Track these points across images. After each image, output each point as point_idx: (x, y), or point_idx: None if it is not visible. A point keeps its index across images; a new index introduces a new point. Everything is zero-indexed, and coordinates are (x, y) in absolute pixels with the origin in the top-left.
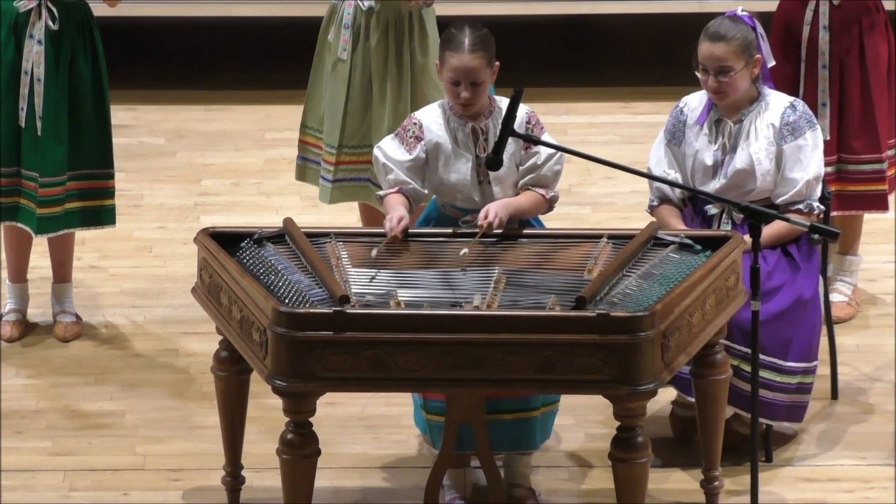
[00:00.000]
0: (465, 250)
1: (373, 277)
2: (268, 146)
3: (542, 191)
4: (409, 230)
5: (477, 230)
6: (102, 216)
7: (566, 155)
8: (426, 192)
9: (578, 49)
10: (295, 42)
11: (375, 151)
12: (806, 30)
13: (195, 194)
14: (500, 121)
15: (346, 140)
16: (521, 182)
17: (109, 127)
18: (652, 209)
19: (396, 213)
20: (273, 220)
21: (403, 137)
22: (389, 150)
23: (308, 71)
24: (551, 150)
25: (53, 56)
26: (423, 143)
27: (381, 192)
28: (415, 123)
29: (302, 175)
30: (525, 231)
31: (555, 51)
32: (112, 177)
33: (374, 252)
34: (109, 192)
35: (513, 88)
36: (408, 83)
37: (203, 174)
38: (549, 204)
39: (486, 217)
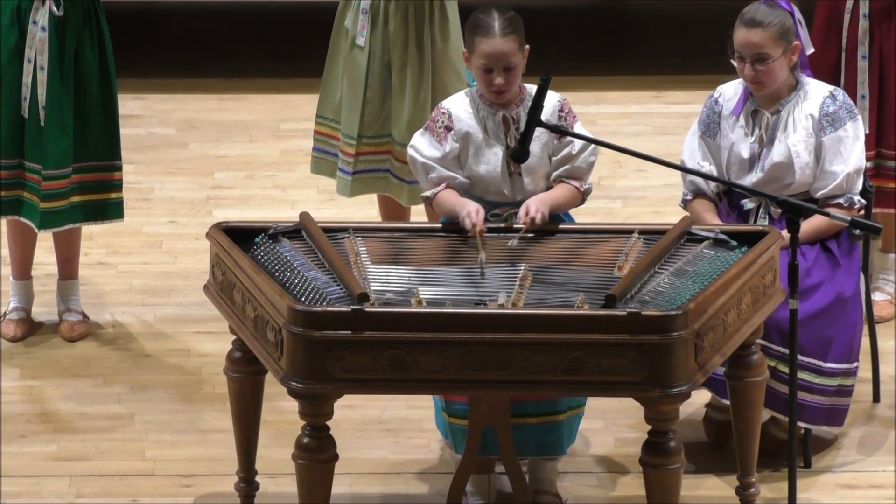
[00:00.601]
0: (513, 241)
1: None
2: (284, 137)
3: (576, 183)
4: (430, 224)
5: (511, 226)
6: (109, 210)
7: (596, 148)
8: (467, 181)
9: (609, 36)
10: (313, 28)
11: (410, 152)
12: (847, 18)
13: (208, 187)
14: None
15: (364, 130)
16: (555, 174)
17: (116, 117)
18: (685, 203)
19: (468, 206)
20: (289, 215)
21: (433, 130)
22: (423, 147)
23: (325, 58)
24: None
25: (58, 43)
26: (452, 133)
27: (427, 193)
28: (444, 113)
29: (319, 168)
30: (552, 226)
31: (584, 38)
32: (119, 169)
33: (482, 256)
34: (116, 185)
35: (540, 76)
36: (429, 70)
37: (216, 166)
38: (583, 197)
39: (527, 213)
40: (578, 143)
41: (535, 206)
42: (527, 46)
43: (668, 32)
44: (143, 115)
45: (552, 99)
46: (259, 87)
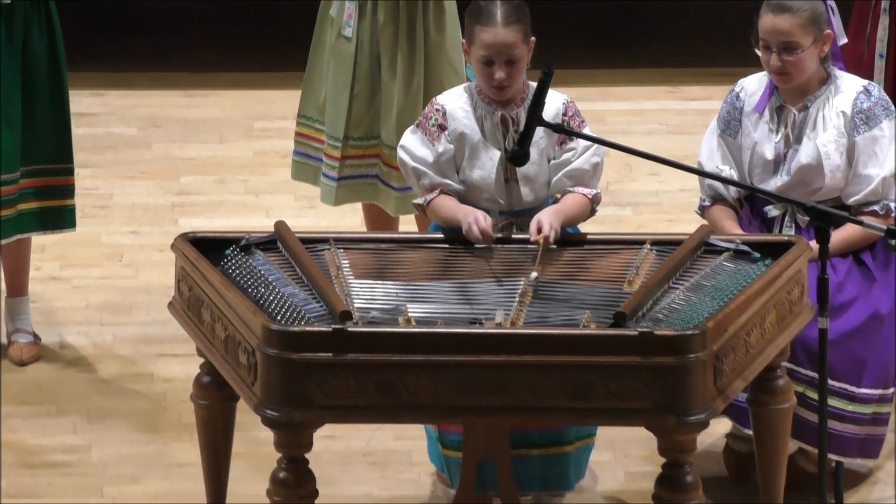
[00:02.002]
0: (535, 274)
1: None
2: (258, 137)
3: (583, 190)
4: (419, 234)
5: (507, 237)
6: (62, 218)
7: (604, 148)
8: (462, 188)
9: (617, 24)
10: (294, 16)
11: (400, 153)
12: (884, 4)
13: (173, 193)
14: None
15: (351, 130)
16: (555, 180)
17: (68, 114)
18: (703, 210)
19: (473, 211)
20: (263, 224)
21: (426, 127)
22: (414, 148)
23: (306, 50)
24: (589, 143)
25: (5, 30)
26: (447, 132)
27: (419, 200)
28: (437, 110)
29: (300, 173)
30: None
31: (590, 26)
32: (71, 172)
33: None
34: (69, 191)
35: (542, 70)
36: (421, 64)
37: (182, 170)
38: (593, 205)
39: (539, 230)
40: (581, 145)
41: (549, 222)
42: (532, 38)
43: (684, 19)
44: (101, 113)
45: (556, 100)
46: (231, 81)
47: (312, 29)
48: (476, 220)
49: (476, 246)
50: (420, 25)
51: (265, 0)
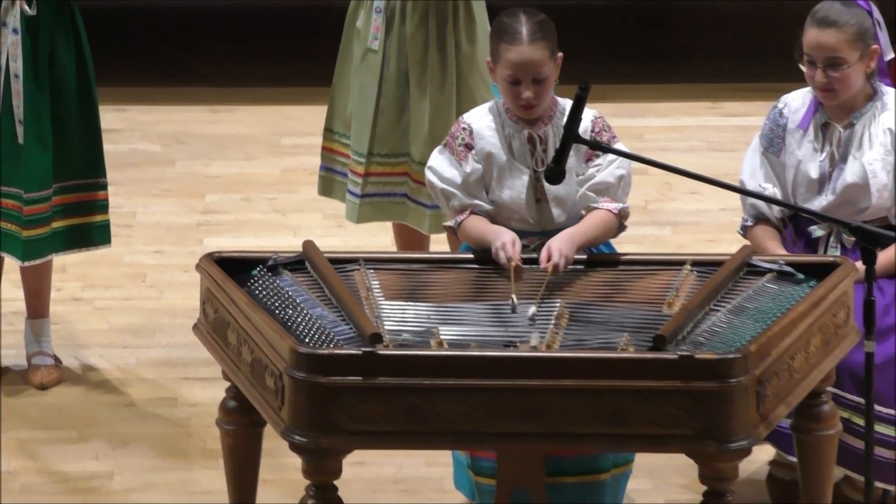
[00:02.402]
0: (533, 310)
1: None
2: (285, 154)
3: (609, 205)
4: (451, 254)
5: (537, 257)
6: (94, 235)
7: (642, 167)
8: (491, 207)
9: (656, 38)
10: (320, 30)
11: (428, 174)
12: None
13: (198, 212)
14: (561, 126)
15: (377, 147)
16: (580, 194)
17: (99, 127)
18: (745, 230)
19: (502, 235)
20: (291, 243)
21: (453, 147)
22: (442, 169)
23: (333, 64)
24: (613, 155)
25: (31, 46)
26: (473, 152)
27: (449, 222)
28: (464, 129)
29: (327, 189)
30: (591, 257)
31: (627, 40)
32: (104, 187)
33: (513, 298)
34: (101, 206)
35: (578, 85)
36: (452, 77)
37: (207, 187)
38: (620, 220)
39: (548, 258)
40: (606, 159)
41: (558, 250)
42: (559, 54)
43: (725, 33)
44: (124, 129)
45: (585, 116)
46: (257, 96)
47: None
48: (504, 245)
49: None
50: (451, 37)
51: (292, 13)
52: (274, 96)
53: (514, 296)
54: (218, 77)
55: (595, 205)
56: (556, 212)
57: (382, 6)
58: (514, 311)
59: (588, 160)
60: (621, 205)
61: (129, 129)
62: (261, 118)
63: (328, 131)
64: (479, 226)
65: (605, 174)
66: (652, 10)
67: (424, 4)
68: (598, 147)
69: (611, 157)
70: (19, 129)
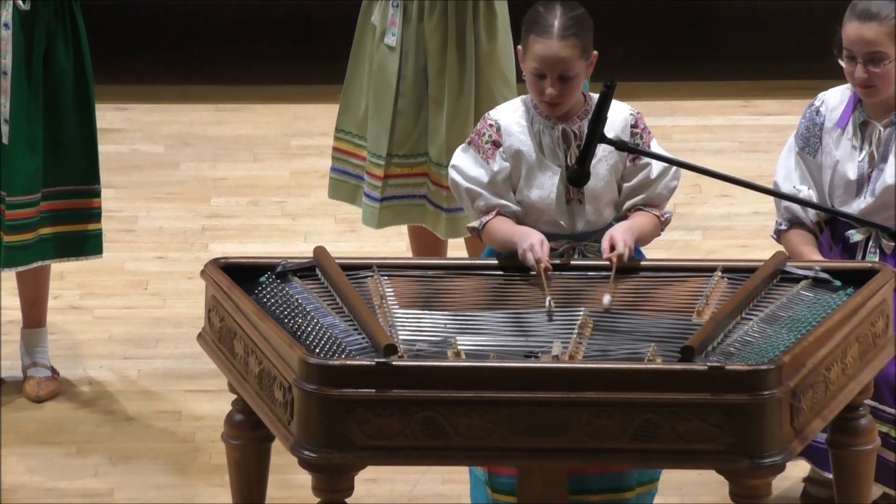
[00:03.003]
0: (608, 297)
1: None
2: (295, 156)
3: (656, 211)
4: (470, 260)
5: (568, 263)
6: (86, 244)
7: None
8: (519, 209)
9: (685, 34)
10: (333, 25)
11: (452, 174)
12: None
13: (203, 216)
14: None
15: (396, 148)
16: (629, 203)
17: (95, 131)
18: (779, 235)
19: (529, 236)
20: (301, 249)
21: (478, 145)
22: (467, 167)
23: (346, 61)
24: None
25: (24, 43)
26: (501, 150)
27: (474, 223)
28: (491, 125)
29: (338, 192)
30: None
31: (656, 35)
32: (98, 195)
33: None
34: (95, 215)
35: (603, 83)
36: (471, 75)
37: (213, 191)
38: (663, 227)
39: (612, 248)
40: (657, 165)
41: (622, 239)
42: (594, 53)
43: (758, 28)
44: (126, 129)
45: (622, 111)
46: (265, 95)
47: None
48: (532, 246)
49: (531, 273)
50: (470, 32)
51: (302, 7)
52: (283, 95)
53: (549, 298)
54: (224, 75)
55: (644, 209)
56: (588, 210)
57: (399, 0)
58: (550, 316)
59: (635, 158)
60: (668, 213)
61: (131, 130)
62: (269, 118)
63: (340, 131)
64: (504, 227)
65: (661, 187)
66: (681, 4)
67: None
68: (625, 147)
69: (663, 164)
70: (4, 129)
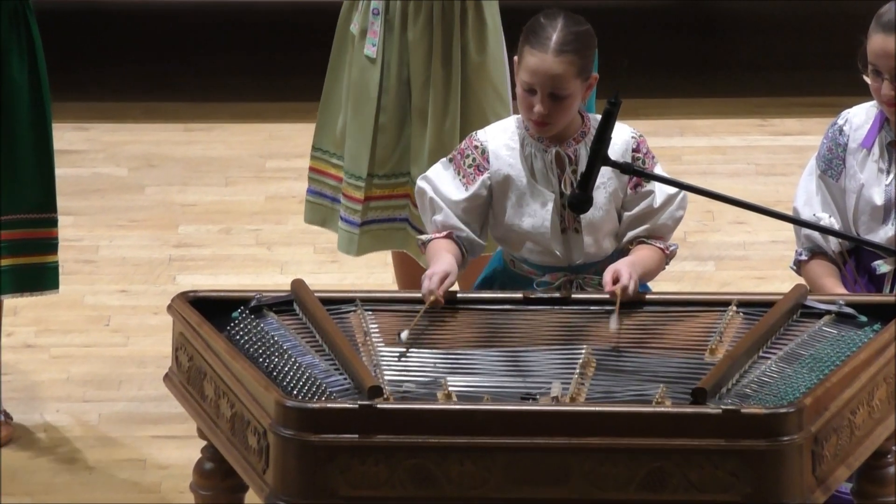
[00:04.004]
0: (615, 325)
1: (402, 355)
2: (271, 179)
3: (660, 243)
4: (461, 293)
5: (567, 297)
6: (43, 278)
7: (688, 195)
8: (484, 242)
9: (697, 44)
10: (309, 34)
11: (421, 183)
12: None
13: (170, 245)
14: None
15: (376, 168)
16: (631, 234)
17: (52, 154)
18: (799, 265)
19: (440, 266)
20: (277, 282)
21: (460, 165)
22: (440, 181)
23: (325, 74)
24: (671, 190)
25: None
26: (486, 174)
27: (423, 237)
28: (476, 147)
29: (314, 216)
30: (623, 296)
31: (664, 47)
32: (55, 223)
33: (403, 334)
34: (52, 246)
35: (607, 99)
36: (457, 90)
37: (181, 217)
38: (668, 260)
39: (614, 281)
40: (661, 192)
41: (628, 272)
42: (594, 75)
43: (776, 39)
44: (86, 151)
45: (623, 133)
46: (238, 112)
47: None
48: (431, 276)
49: (531, 307)
50: (457, 43)
51: (277, 17)
52: (258, 112)
53: (405, 332)
54: (194, 90)
55: (648, 241)
56: (587, 241)
57: (381, 7)
58: (400, 342)
59: (636, 186)
60: (673, 246)
61: (91, 151)
62: (243, 137)
63: (317, 150)
64: (436, 251)
65: (666, 217)
66: (691, 12)
67: (429, 5)
68: (632, 172)
69: (666, 189)
70: None
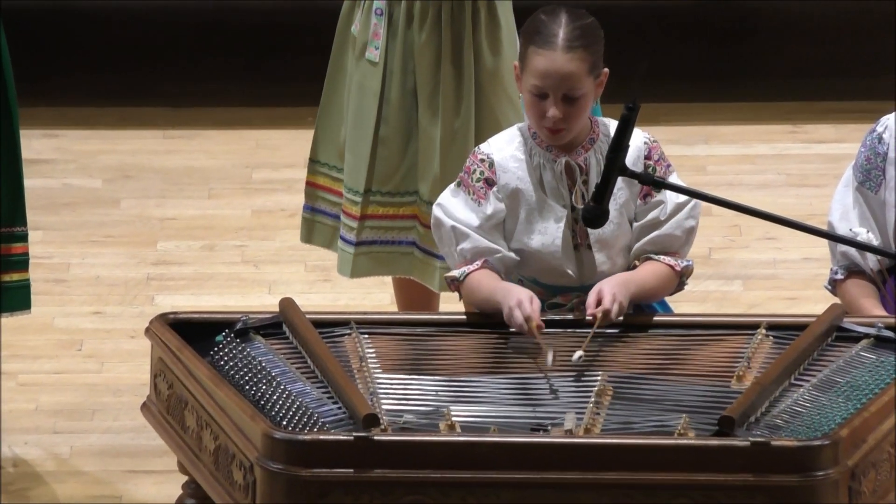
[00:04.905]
0: (580, 353)
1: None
2: (258, 191)
3: (669, 259)
4: (465, 315)
5: (581, 320)
6: (13, 298)
7: (705, 207)
8: (515, 256)
9: (724, 46)
10: (305, 36)
11: (436, 212)
12: None
13: (148, 263)
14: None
15: (376, 183)
16: (638, 246)
17: (20, 163)
18: (834, 285)
19: (515, 293)
20: (265, 302)
21: (468, 184)
22: (455, 207)
23: (320, 79)
24: (681, 198)
25: None
26: (496, 189)
27: (455, 273)
28: (482, 160)
29: (313, 235)
30: (642, 318)
31: (688, 48)
32: (24, 238)
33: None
34: (21, 263)
35: (624, 104)
36: (470, 97)
37: (160, 233)
38: (680, 278)
39: (599, 302)
40: (671, 201)
41: (611, 293)
42: (605, 70)
43: (809, 39)
44: (56, 160)
45: (635, 139)
46: (223, 119)
47: (330, 52)
48: (519, 303)
49: (541, 330)
50: (469, 47)
51: (267, 17)
52: (244, 119)
53: (551, 352)
54: (174, 95)
55: (655, 257)
56: (599, 258)
57: (384, 6)
58: (552, 382)
59: (646, 195)
60: (685, 262)
61: (62, 161)
62: (227, 146)
63: (314, 162)
64: (487, 282)
65: (673, 226)
66: (716, 10)
67: (437, 4)
68: (653, 182)
69: (676, 197)
70: None
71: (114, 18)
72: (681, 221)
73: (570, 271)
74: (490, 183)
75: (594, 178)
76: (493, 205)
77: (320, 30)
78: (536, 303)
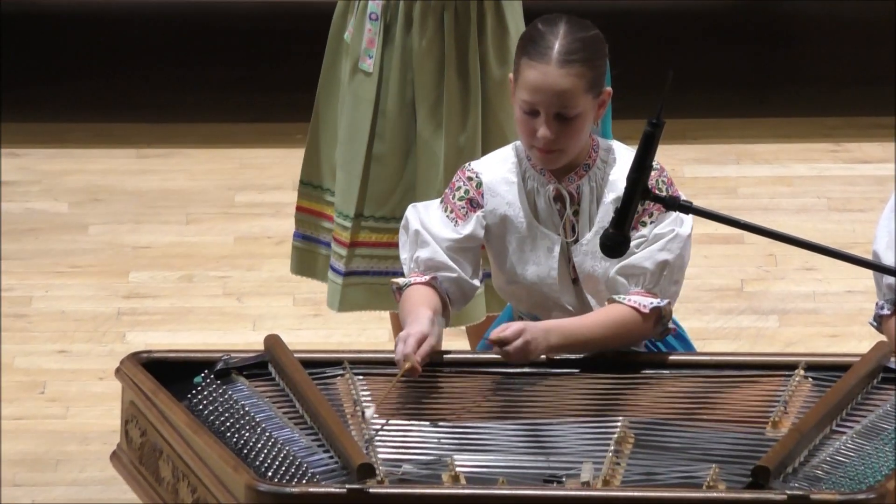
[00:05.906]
0: (370, 411)
1: (383, 424)
2: (241, 216)
3: (635, 300)
4: (469, 354)
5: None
6: None
7: (737, 234)
8: (478, 284)
9: (757, 54)
10: (292, 45)
11: (409, 213)
12: None
13: (120, 296)
14: (604, 179)
15: (369, 206)
16: (610, 276)
17: None
18: (880, 321)
19: (415, 326)
20: (249, 340)
21: (448, 200)
22: (430, 215)
23: (310, 91)
24: (665, 229)
25: None
26: (481, 212)
27: (400, 280)
28: (470, 178)
29: (304, 266)
30: (662, 357)
31: (718, 57)
32: None
33: (368, 411)
34: None
35: (647, 120)
36: (477, 110)
37: (133, 262)
38: (655, 325)
39: (504, 329)
40: (654, 232)
41: (520, 330)
42: (607, 89)
43: (852, 48)
44: (19, 182)
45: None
46: (204, 135)
47: (321, 62)
48: (406, 337)
49: (553, 371)
50: (474, 54)
51: (253, 21)
52: (227, 135)
53: (371, 406)
54: (149, 109)
55: (618, 298)
56: (588, 293)
57: (379, 9)
58: (363, 420)
59: (634, 226)
60: (655, 301)
61: (25, 182)
62: (208, 166)
63: (305, 185)
64: (414, 301)
65: (643, 257)
66: (749, 15)
67: (439, 6)
68: (678, 208)
69: (660, 230)
70: None
71: (83, 23)
72: (653, 252)
73: (567, 304)
74: (474, 204)
75: (586, 209)
76: (470, 228)
77: (312, 35)
78: (427, 347)
